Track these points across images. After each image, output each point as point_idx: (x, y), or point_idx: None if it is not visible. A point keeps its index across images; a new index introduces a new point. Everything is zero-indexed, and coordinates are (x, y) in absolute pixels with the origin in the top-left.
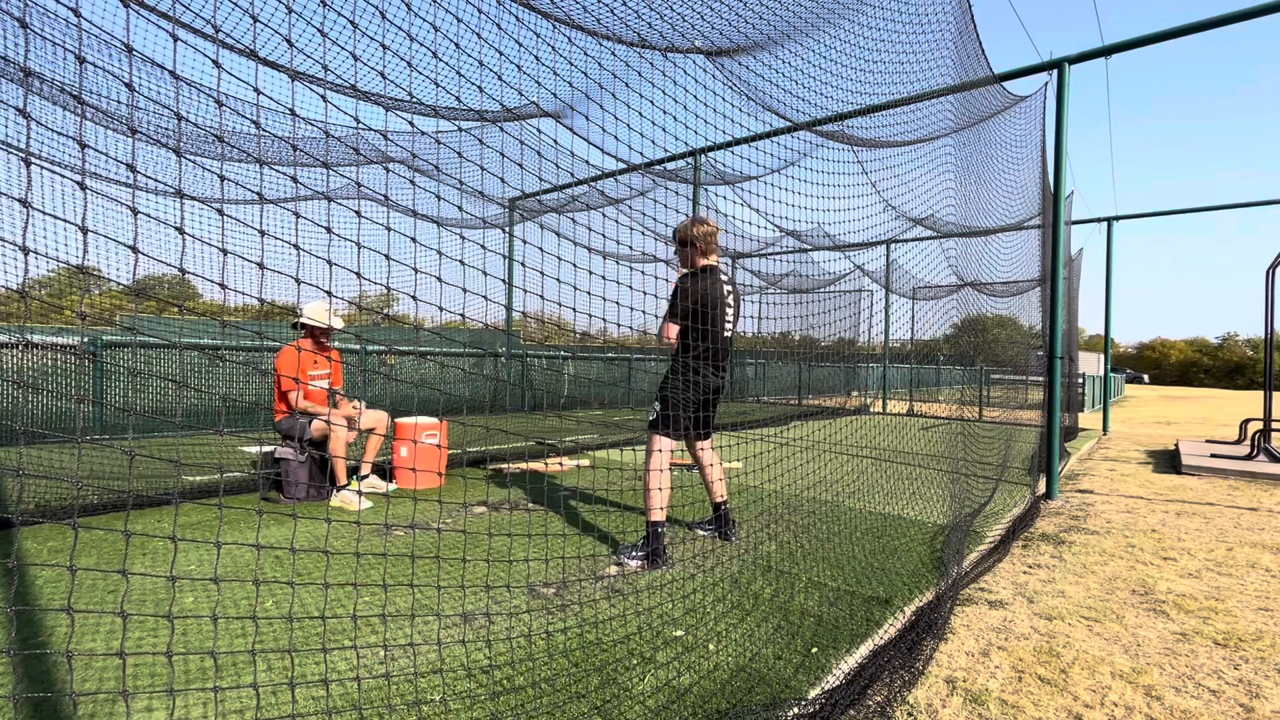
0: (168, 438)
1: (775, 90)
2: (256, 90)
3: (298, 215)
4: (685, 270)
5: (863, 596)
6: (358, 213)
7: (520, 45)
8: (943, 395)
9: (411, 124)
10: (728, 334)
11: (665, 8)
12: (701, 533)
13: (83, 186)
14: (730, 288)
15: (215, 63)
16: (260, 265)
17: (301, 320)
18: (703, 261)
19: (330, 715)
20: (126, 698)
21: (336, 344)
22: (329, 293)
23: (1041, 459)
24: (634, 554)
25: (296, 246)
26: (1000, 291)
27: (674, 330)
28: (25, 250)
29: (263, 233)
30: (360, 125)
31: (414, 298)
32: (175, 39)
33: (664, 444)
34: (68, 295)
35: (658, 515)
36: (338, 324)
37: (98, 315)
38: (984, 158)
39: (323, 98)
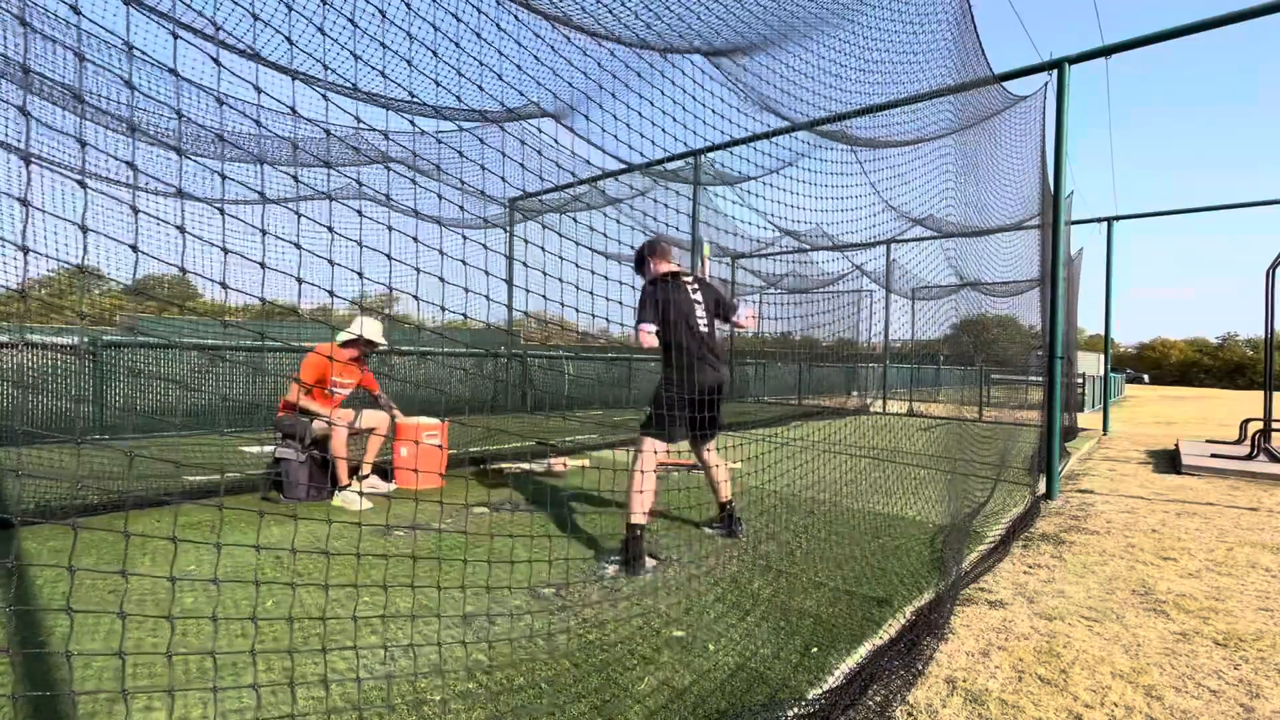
0: (168, 438)
1: (774, 90)
2: (257, 89)
3: (299, 215)
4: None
5: (862, 596)
6: (359, 212)
7: (520, 46)
8: (943, 395)
9: (413, 124)
10: (704, 329)
11: (664, 8)
12: (709, 531)
13: (83, 186)
14: (698, 288)
15: (216, 61)
16: (261, 265)
17: (356, 336)
18: (663, 268)
19: (330, 715)
20: (126, 698)
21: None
22: (330, 292)
23: (1041, 459)
24: (612, 558)
25: (298, 246)
26: (1000, 291)
27: (647, 336)
28: (25, 250)
29: (264, 232)
30: (361, 125)
31: (416, 297)
32: (175, 37)
33: (651, 446)
34: (68, 295)
35: (637, 518)
36: (383, 343)
37: (98, 315)
38: (984, 158)
39: (323, 97)
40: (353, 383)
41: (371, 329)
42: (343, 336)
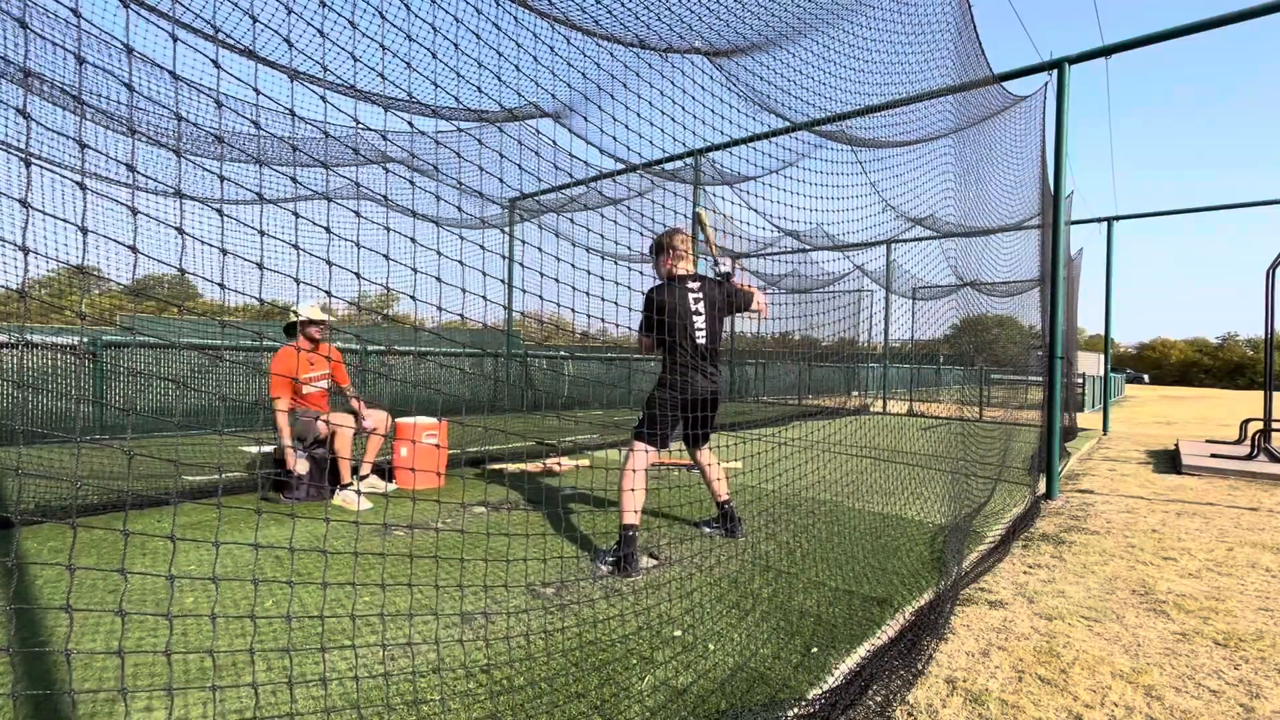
0: (168, 438)
1: (774, 91)
2: (256, 90)
3: (297, 215)
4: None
5: (862, 596)
6: (356, 213)
7: (519, 46)
8: (943, 395)
9: (410, 124)
10: (700, 340)
11: (664, 8)
12: (708, 530)
13: (82, 187)
14: (701, 295)
15: (215, 63)
16: (259, 265)
17: (292, 320)
18: (676, 269)
19: (329, 715)
20: (125, 697)
21: (337, 343)
22: (328, 293)
23: (1041, 459)
24: (607, 559)
25: (296, 246)
26: (1000, 291)
27: (647, 344)
28: (25, 250)
29: (262, 233)
30: (359, 125)
31: (413, 298)
32: (175, 39)
33: (643, 447)
34: (68, 295)
35: (629, 518)
36: (328, 316)
37: (98, 315)
38: (984, 158)
39: (322, 98)
40: (324, 374)
41: (306, 309)
42: (301, 314)
